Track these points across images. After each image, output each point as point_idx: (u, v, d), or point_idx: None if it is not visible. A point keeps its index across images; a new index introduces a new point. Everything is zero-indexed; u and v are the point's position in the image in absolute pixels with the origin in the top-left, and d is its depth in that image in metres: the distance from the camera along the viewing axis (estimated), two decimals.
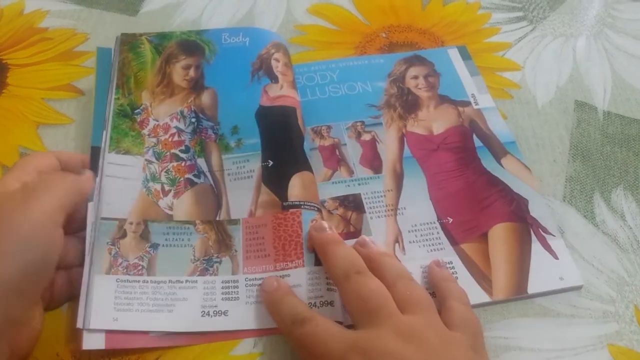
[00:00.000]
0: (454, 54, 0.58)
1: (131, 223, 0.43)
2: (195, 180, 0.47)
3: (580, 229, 0.48)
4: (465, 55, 0.58)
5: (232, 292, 0.42)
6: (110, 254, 0.42)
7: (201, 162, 0.48)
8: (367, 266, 0.40)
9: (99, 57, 0.52)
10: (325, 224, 0.43)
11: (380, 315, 0.36)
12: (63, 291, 0.40)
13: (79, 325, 0.38)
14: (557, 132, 0.54)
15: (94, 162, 0.45)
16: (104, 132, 0.47)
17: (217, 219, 0.45)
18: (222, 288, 0.42)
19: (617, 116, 0.56)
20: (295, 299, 0.40)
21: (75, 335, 0.39)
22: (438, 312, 0.38)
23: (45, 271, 0.36)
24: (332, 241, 0.41)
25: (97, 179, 0.44)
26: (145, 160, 0.47)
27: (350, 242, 0.43)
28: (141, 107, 0.50)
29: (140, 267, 0.42)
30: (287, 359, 0.40)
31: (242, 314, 0.41)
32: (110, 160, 0.46)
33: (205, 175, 0.47)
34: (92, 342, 0.38)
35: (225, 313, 0.41)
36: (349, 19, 0.64)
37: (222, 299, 0.41)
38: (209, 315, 0.41)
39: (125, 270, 0.41)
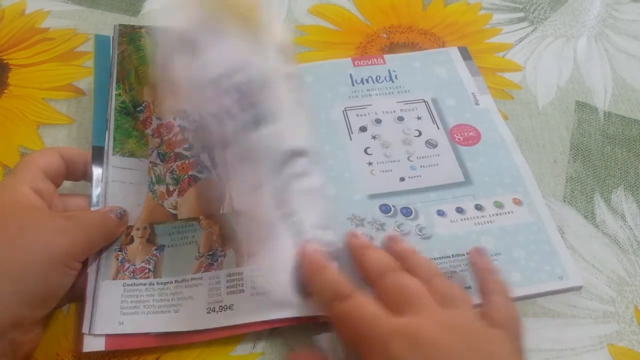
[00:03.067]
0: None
1: (138, 229, 0.43)
2: (199, 176, 0.47)
3: (580, 230, 0.48)
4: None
5: (237, 284, 0.41)
6: (117, 259, 0.42)
7: (204, 156, 0.47)
8: (400, 264, 0.40)
9: (97, 45, 0.51)
10: (359, 232, 0.43)
11: (420, 305, 0.35)
12: (65, 293, 0.40)
13: (84, 330, 0.38)
14: (558, 133, 0.54)
15: (95, 160, 0.45)
16: (107, 133, 0.47)
17: (221, 212, 0.45)
18: (227, 282, 0.41)
19: (618, 117, 0.56)
20: (336, 272, 0.39)
21: (75, 336, 0.39)
22: (479, 305, 0.38)
23: (60, 292, 0.37)
24: (366, 246, 0.41)
25: (102, 184, 0.44)
26: (150, 162, 0.47)
27: None
28: (143, 105, 0.49)
29: (146, 271, 0.42)
30: (286, 359, 0.41)
31: (247, 307, 0.40)
32: (115, 163, 0.45)
33: (209, 170, 0.47)
34: (93, 345, 0.38)
35: (230, 307, 0.40)
36: (350, 19, 0.64)
37: (227, 293, 0.41)
38: (214, 311, 0.40)
39: (132, 274, 0.41)
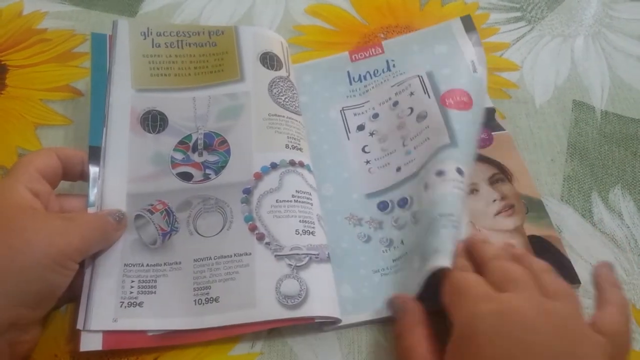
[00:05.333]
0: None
1: None
2: None
3: (578, 228, 0.48)
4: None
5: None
6: None
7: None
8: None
9: (94, 43, 0.50)
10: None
11: (524, 286, 0.36)
12: (63, 293, 0.40)
13: (79, 326, 0.38)
14: (555, 132, 0.54)
15: (92, 160, 0.44)
16: (104, 130, 0.46)
17: None
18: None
19: (615, 115, 0.56)
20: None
21: (73, 336, 0.39)
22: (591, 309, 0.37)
23: (58, 292, 0.37)
24: (484, 240, 0.42)
25: (99, 182, 0.44)
26: None
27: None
28: None
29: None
30: (286, 358, 0.41)
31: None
32: None
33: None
34: (90, 343, 0.38)
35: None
36: (347, 19, 0.64)
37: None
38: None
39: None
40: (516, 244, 0.45)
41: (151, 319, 0.40)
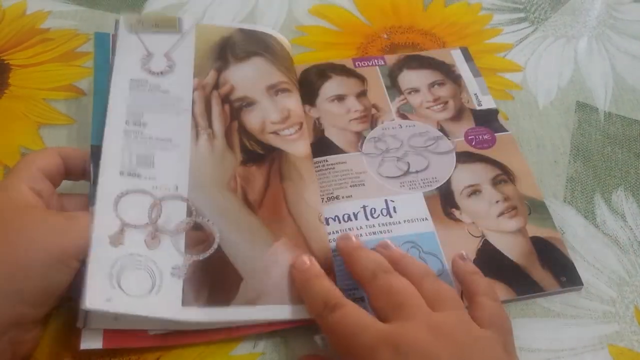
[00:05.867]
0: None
1: None
2: None
3: (580, 230, 0.48)
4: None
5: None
6: None
7: None
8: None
9: (97, 42, 0.49)
10: (351, 234, 0.43)
11: (411, 309, 0.36)
12: (64, 291, 0.40)
13: (79, 324, 0.38)
14: (558, 133, 0.54)
15: (94, 159, 0.44)
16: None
17: None
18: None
19: (618, 117, 0.56)
20: (326, 282, 0.39)
21: (74, 335, 0.39)
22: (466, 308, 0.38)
23: (60, 291, 0.37)
24: (357, 247, 0.42)
25: (94, 179, 0.43)
26: None
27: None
28: None
29: None
30: (287, 359, 0.41)
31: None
32: None
33: None
34: (90, 342, 0.38)
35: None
36: (350, 19, 0.64)
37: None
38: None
39: None
40: (518, 245, 0.45)
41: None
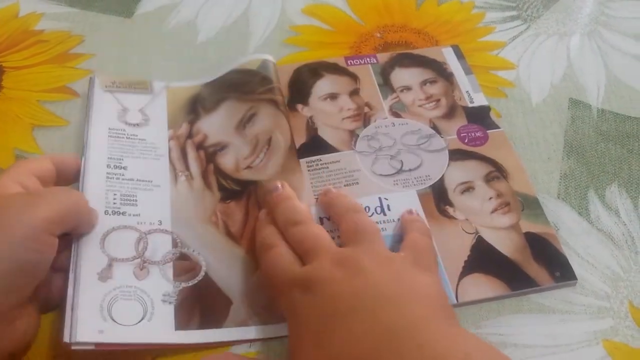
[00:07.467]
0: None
1: None
2: None
3: (574, 226, 0.48)
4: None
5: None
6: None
7: None
8: (328, 211, 0.45)
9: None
10: (278, 183, 0.45)
11: (318, 250, 0.38)
12: (59, 293, 0.39)
13: (66, 339, 0.36)
14: (552, 130, 0.54)
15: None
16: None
17: None
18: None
19: (611, 113, 0.56)
20: (273, 227, 0.42)
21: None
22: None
23: (35, 274, 0.35)
24: (281, 199, 0.44)
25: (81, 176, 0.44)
26: None
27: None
28: None
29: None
30: (282, 358, 0.41)
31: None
32: None
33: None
34: (82, 344, 0.37)
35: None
36: (343, 19, 0.64)
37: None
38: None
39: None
40: (512, 241, 0.45)
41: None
